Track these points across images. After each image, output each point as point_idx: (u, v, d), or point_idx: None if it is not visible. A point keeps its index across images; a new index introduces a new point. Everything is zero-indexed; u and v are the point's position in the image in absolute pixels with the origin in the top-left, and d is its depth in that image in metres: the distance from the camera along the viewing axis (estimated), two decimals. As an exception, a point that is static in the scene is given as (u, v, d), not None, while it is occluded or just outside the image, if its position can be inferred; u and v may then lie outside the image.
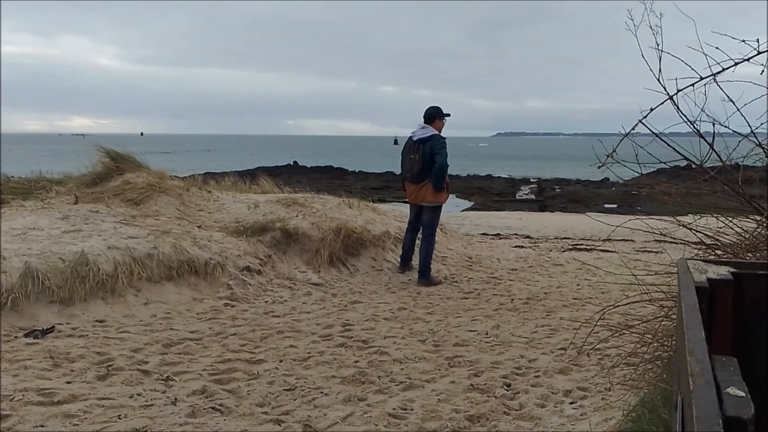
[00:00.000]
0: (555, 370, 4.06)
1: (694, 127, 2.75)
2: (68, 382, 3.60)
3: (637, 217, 3.16)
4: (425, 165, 6.71)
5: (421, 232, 6.98)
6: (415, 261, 7.04)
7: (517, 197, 25.48)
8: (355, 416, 3.31)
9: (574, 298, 6.23)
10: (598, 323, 3.08)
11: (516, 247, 9.67)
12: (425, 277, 6.77)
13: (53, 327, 4.56)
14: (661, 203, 3.34)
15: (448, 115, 7.07)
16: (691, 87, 2.64)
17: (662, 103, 2.73)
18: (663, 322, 2.89)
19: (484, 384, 3.80)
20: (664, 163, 2.97)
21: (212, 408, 3.34)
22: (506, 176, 35.75)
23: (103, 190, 7.41)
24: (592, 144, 2.88)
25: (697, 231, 2.89)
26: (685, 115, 2.74)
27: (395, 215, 8.71)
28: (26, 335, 4.39)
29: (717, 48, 2.54)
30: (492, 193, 26.06)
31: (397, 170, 7.66)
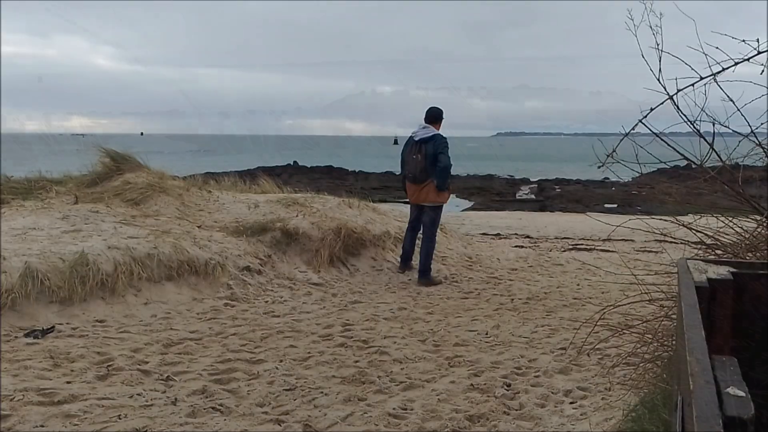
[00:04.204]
0: (555, 370, 4.06)
1: (694, 127, 2.74)
2: (68, 382, 3.60)
3: (637, 217, 3.15)
4: (428, 165, 6.70)
5: (421, 231, 6.98)
6: (415, 261, 7.03)
7: (517, 197, 25.48)
8: (355, 416, 3.31)
9: (574, 298, 6.23)
10: (598, 323, 3.08)
11: (516, 247, 9.67)
12: (425, 277, 6.77)
13: (53, 327, 4.56)
14: (661, 203, 3.34)
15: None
16: (691, 87, 2.63)
17: (662, 103, 2.73)
18: (663, 322, 2.89)
19: (484, 384, 3.80)
20: (664, 163, 2.96)
21: (212, 408, 3.34)
22: (506, 176, 35.68)
23: (103, 190, 7.41)
24: (592, 144, 2.89)
25: (697, 231, 2.88)
26: (685, 115, 2.74)
27: (395, 215, 8.71)
28: (26, 335, 4.39)
29: (717, 48, 2.54)
30: (492, 193, 26.05)
31: (398, 170, 7.64)
